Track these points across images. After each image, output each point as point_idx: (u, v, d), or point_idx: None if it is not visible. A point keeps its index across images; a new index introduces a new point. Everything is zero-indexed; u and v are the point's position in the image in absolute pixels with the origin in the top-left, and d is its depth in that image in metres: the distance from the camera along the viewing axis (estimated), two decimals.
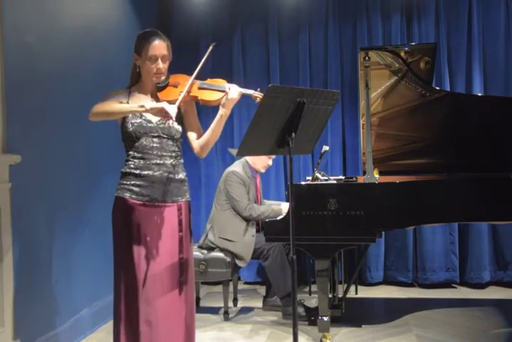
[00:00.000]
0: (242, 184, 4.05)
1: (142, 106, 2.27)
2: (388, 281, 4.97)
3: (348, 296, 4.19)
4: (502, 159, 3.88)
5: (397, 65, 3.83)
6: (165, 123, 2.42)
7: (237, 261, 4.04)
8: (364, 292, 4.72)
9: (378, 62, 3.81)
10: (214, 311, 4.22)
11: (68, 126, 3.48)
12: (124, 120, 2.41)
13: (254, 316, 4.11)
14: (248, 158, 4.18)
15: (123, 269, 2.39)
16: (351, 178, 4.29)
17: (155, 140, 2.41)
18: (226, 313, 4.03)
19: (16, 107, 2.97)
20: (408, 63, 3.83)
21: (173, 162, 2.45)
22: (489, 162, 3.88)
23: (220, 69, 4.93)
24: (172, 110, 2.26)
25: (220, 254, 4.03)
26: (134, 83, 2.50)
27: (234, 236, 4.03)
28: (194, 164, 4.91)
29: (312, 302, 4.27)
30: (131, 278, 2.36)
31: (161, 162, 2.42)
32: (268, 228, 3.46)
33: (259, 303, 4.33)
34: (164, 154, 2.42)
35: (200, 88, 2.47)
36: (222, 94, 2.44)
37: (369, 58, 3.60)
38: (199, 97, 2.46)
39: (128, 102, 2.40)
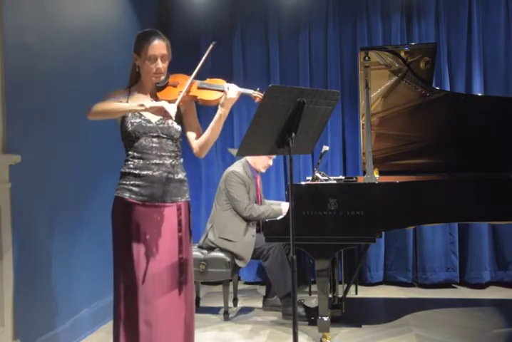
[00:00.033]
0: (242, 184, 4.05)
1: (142, 105, 2.27)
2: (388, 281, 4.97)
3: (348, 296, 4.18)
4: (502, 159, 3.88)
5: (397, 65, 3.83)
6: (164, 123, 2.42)
7: (237, 261, 4.04)
8: (364, 292, 4.72)
9: (378, 62, 3.81)
10: (214, 311, 4.23)
11: (68, 126, 3.48)
12: (123, 119, 2.41)
13: (254, 316, 4.11)
14: (248, 158, 4.18)
15: (123, 269, 2.39)
16: (351, 178, 4.29)
17: (154, 139, 2.41)
18: (226, 313, 4.03)
19: (16, 107, 2.97)
20: (408, 63, 3.83)
21: (173, 162, 2.45)
22: (489, 162, 3.88)
23: (220, 69, 4.93)
24: (172, 109, 2.26)
25: (220, 254, 4.03)
26: (133, 82, 2.50)
27: (235, 236, 4.03)
28: (194, 164, 4.92)
29: (312, 302, 4.27)
30: (131, 278, 2.36)
31: (160, 162, 2.41)
32: (268, 228, 3.46)
33: (259, 303, 4.33)
34: (163, 154, 2.42)
35: (199, 88, 2.47)
36: (222, 94, 2.44)
37: (369, 58, 3.60)
38: (198, 97, 2.46)
39: (127, 102, 2.40)
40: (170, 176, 2.42)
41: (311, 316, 3.82)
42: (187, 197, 2.51)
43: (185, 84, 2.44)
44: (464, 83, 4.87)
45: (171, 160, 2.44)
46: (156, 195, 2.40)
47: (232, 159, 4.59)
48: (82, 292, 3.61)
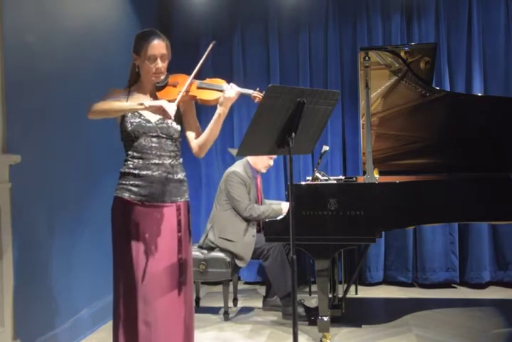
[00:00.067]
0: (242, 184, 4.05)
1: (142, 104, 2.27)
2: (388, 281, 4.97)
3: (348, 296, 4.18)
4: (502, 159, 3.88)
5: (397, 65, 3.83)
6: (164, 123, 2.42)
7: (237, 262, 4.04)
8: (364, 292, 4.72)
9: (378, 62, 3.81)
10: (214, 311, 4.23)
11: (68, 126, 3.48)
12: (123, 119, 2.41)
13: (254, 316, 4.11)
14: (249, 158, 4.18)
15: (122, 269, 2.39)
16: (351, 178, 4.29)
17: (153, 139, 2.41)
18: (226, 313, 4.03)
19: (16, 107, 2.97)
20: (408, 63, 3.83)
21: (172, 162, 2.45)
22: (489, 162, 3.88)
23: (220, 69, 4.94)
24: (171, 108, 2.26)
25: (220, 254, 4.03)
26: (133, 83, 2.50)
27: (235, 237, 4.03)
28: (194, 164, 4.92)
29: (312, 302, 4.27)
30: (130, 278, 2.36)
31: (160, 162, 2.41)
32: (268, 228, 3.46)
33: (259, 303, 4.33)
34: (163, 154, 2.42)
35: (198, 88, 2.47)
36: (221, 94, 2.44)
37: (369, 58, 3.60)
38: (197, 97, 2.46)
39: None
40: (170, 176, 2.42)
41: (311, 316, 3.82)
42: (187, 197, 2.51)
43: (184, 84, 2.44)
44: (464, 83, 4.87)
45: (170, 160, 2.44)
46: (155, 195, 2.40)
47: (232, 159, 4.59)
48: (82, 292, 3.61)
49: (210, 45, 2.48)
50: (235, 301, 4.39)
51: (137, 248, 2.37)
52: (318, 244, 3.35)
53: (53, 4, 3.41)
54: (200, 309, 4.20)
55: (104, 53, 3.98)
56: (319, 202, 3.36)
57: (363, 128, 3.89)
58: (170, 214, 2.42)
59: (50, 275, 3.29)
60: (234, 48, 5.16)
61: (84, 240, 3.65)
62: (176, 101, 2.35)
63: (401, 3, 4.95)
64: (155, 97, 2.47)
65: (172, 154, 2.45)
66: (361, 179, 3.94)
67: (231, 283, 4.25)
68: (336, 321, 3.77)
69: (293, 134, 2.33)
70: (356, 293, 4.63)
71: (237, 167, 4.14)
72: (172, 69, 2.52)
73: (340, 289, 4.26)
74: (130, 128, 2.40)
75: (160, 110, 2.26)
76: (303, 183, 3.63)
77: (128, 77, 2.52)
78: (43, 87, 3.25)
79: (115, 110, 2.33)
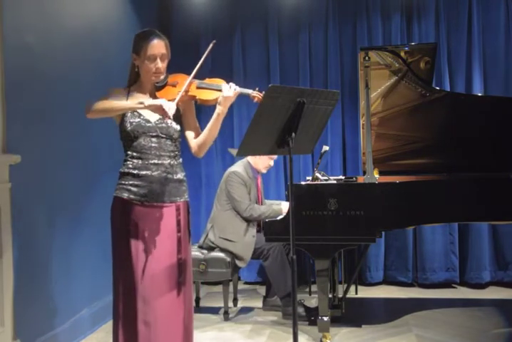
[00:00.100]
0: (243, 184, 4.05)
1: (141, 103, 2.27)
2: (388, 281, 4.97)
3: (348, 296, 4.19)
4: (502, 159, 3.88)
5: (397, 65, 3.83)
6: (163, 123, 2.42)
7: (237, 262, 4.04)
8: (364, 292, 4.72)
9: (378, 62, 3.81)
10: (214, 311, 4.22)
11: (68, 126, 3.48)
12: (122, 119, 2.41)
13: (254, 316, 4.11)
14: (249, 158, 4.18)
15: (122, 269, 2.39)
16: (351, 178, 4.29)
17: (153, 139, 2.41)
18: (226, 313, 4.03)
19: (16, 107, 2.97)
20: (408, 63, 3.83)
21: (171, 162, 2.45)
22: (489, 162, 3.88)
23: (220, 69, 4.94)
24: (171, 107, 2.26)
25: (220, 254, 4.03)
26: (132, 82, 2.50)
27: (235, 237, 4.03)
28: (194, 164, 4.92)
29: (312, 302, 4.27)
30: (129, 278, 2.36)
31: (159, 162, 2.41)
32: (268, 228, 3.46)
33: (259, 303, 4.33)
34: (162, 154, 2.42)
35: (198, 88, 2.47)
36: (220, 93, 2.44)
37: (369, 58, 3.60)
38: (197, 97, 2.46)
39: None
40: (169, 176, 2.42)
41: (311, 316, 3.82)
42: (186, 197, 2.51)
43: (184, 84, 2.43)
44: (464, 83, 4.87)
45: (170, 160, 2.44)
46: (155, 195, 2.39)
47: (232, 159, 4.59)
48: (82, 292, 3.61)
49: (210, 45, 2.48)
50: (235, 301, 4.39)
51: (137, 248, 2.37)
52: (318, 244, 3.35)
53: (53, 4, 3.41)
54: (200, 309, 4.21)
55: (104, 53, 3.98)
56: (319, 202, 3.36)
57: (363, 128, 3.89)
58: (169, 214, 2.41)
59: (50, 275, 3.29)
60: (234, 48, 5.16)
61: (84, 240, 3.65)
62: (175, 101, 2.35)
63: (401, 3, 4.95)
64: (155, 97, 2.47)
65: (172, 154, 2.45)
66: (361, 179, 3.94)
67: (231, 283, 4.25)
68: (336, 321, 3.77)
69: (293, 134, 2.33)
70: (356, 293, 4.63)
71: (238, 167, 4.14)
72: (172, 69, 2.52)
73: (340, 289, 4.26)
74: (129, 128, 2.39)
75: (160, 109, 2.25)
76: (303, 183, 3.63)
77: (127, 77, 2.52)
78: (43, 87, 3.25)
79: (114, 109, 2.33)
